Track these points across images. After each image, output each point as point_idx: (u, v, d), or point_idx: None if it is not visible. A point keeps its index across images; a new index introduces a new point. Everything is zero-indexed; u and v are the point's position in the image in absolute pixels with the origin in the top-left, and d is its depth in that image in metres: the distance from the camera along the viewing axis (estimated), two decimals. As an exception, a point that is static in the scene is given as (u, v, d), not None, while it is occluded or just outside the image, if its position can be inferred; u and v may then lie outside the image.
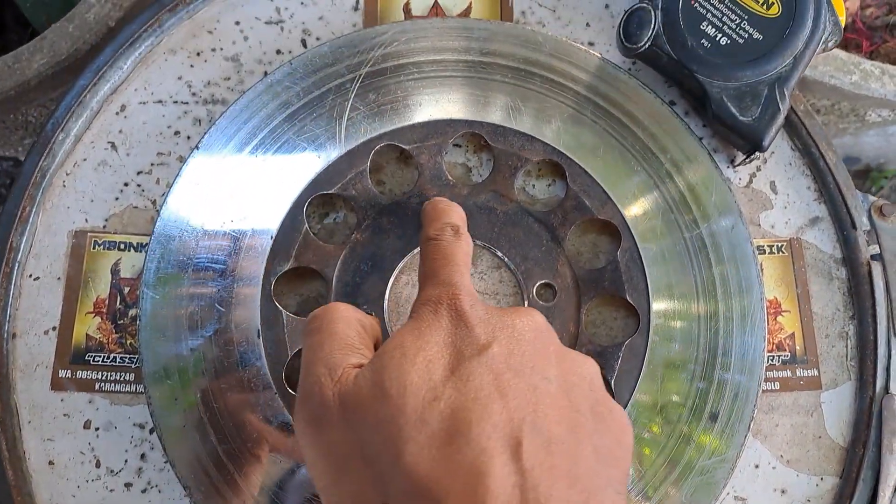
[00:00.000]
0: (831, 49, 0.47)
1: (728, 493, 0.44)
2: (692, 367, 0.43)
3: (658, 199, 0.45)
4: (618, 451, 0.29)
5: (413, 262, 0.45)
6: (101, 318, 0.45)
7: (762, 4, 0.45)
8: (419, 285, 0.34)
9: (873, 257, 0.47)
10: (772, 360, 0.46)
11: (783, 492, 0.45)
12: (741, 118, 0.44)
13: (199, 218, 0.44)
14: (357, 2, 0.51)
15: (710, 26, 0.45)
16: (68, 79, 0.56)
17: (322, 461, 0.29)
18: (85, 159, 0.48)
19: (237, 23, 0.51)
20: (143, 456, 0.44)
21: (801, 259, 0.48)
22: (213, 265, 0.43)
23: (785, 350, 0.46)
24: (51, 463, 0.43)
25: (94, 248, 0.46)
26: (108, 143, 0.48)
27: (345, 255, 0.44)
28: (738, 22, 0.45)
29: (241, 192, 0.44)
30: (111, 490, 0.43)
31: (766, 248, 0.48)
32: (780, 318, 0.47)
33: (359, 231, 0.45)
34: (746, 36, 0.45)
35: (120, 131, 0.48)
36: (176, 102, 0.49)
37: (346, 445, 0.28)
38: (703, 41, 0.45)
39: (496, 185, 0.46)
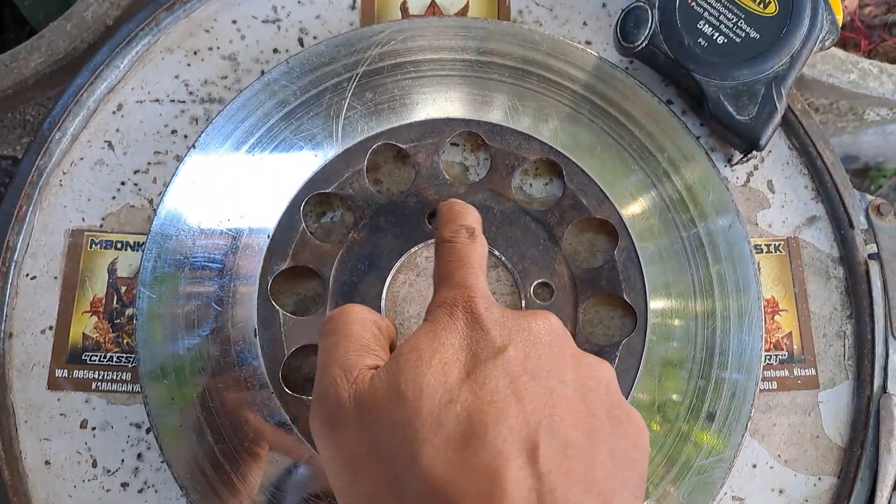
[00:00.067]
0: (828, 48, 0.47)
1: (726, 493, 0.44)
2: (689, 366, 0.43)
3: (655, 198, 0.45)
4: (634, 455, 0.29)
5: (410, 262, 0.45)
6: (98, 318, 0.45)
7: (759, 3, 0.45)
8: (434, 287, 0.34)
9: (871, 256, 0.47)
10: (769, 360, 0.46)
11: (781, 492, 0.45)
12: (738, 117, 0.44)
13: (195, 217, 0.44)
14: (354, 0, 0.51)
15: (706, 25, 0.45)
16: (66, 77, 0.56)
17: (338, 462, 0.29)
18: (82, 158, 0.48)
19: (234, 21, 0.50)
20: (139, 456, 0.44)
21: (799, 258, 0.48)
22: (210, 264, 0.43)
23: (782, 349, 0.46)
24: (47, 463, 0.43)
25: (90, 247, 0.46)
26: (105, 142, 0.48)
27: (342, 254, 0.44)
28: (734, 21, 0.45)
29: (237, 191, 0.44)
30: (108, 490, 0.43)
31: (763, 247, 0.48)
32: (777, 318, 0.47)
33: (356, 230, 0.44)
34: (743, 35, 0.45)
35: (117, 130, 0.48)
36: (173, 101, 0.49)
37: (362, 446, 0.28)
38: (699, 40, 0.45)
39: (493, 184, 0.46)
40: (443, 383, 0.27)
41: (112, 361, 0.45)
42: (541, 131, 0.46)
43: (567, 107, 0.46)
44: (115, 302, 0.46)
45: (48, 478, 0.43)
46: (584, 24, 0.52)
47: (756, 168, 0.49)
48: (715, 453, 0.42)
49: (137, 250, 0.46)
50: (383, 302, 0.44)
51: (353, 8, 0.51)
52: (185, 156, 0.44)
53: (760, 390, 0.44)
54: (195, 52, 0.50)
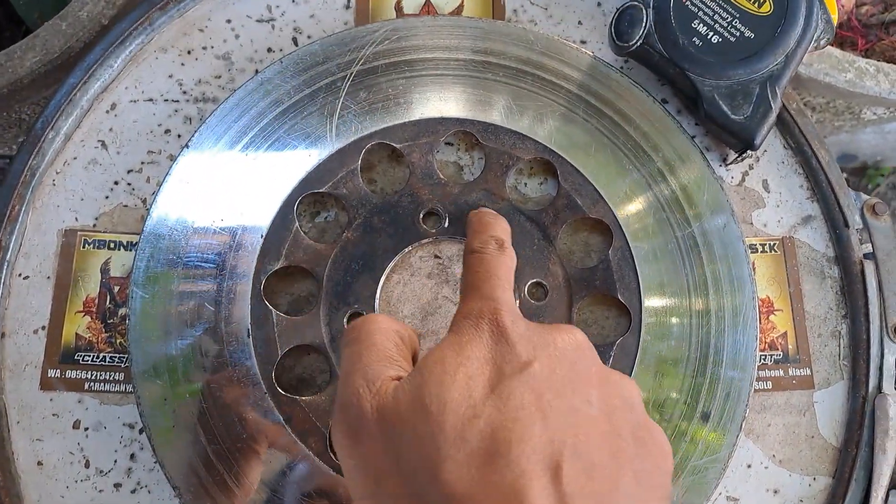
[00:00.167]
0: (823, 47, 0.46)
1: (720, 494, 0.44)
2: (684, 365, 0.43)
3: (650, 198, 0.45)
4: (658, 477, 0.29)
5: (404, 262, 0.45)
6: (91, 318, 0.45)
7: (754, 2, 0.45)
8: (460, 297, 0.34)
9: (866, 256, 0.47)
10: (764, 360, 0.46)
11: (776, 492, 0.45)
12: (733, 116, 0.44)
13: (189, 216, 0.44)
14: (348, 0, 0.51)
15: (701, 24, 0.45)
16: (62, 77, 0.56)
17: (360, 473, 0.29)
18: (75, 158, 0.48)
19: (228, 21, 0.50)
20: (132, 456, 0.44)
21: (794, 258, 0.48)
22: (203, 264, 0.43)
23: (777, 349, 0.46)
24: (39, 463, 0.43)
25: (83, 246, 0.46)
26: (99, 141, 0.48)
27: (336, 253, 0.44)
28: (729, 20, 0.45)
29: (231, 191, 0.44)
30: (100, 490, 0.43)
31: (758, 246, 0.48)
32: (772, 317, 0.47)
33: (349, 230, 0.44)
34: (738, 34, 0.44)
35: (110, 130, 0.48)
36: (167, 101, 0.49)
37: (384, 459, 0.28)
38: (694, 39, 0.45)
39: (488, 183, 0.46)
40: (467, 398, 0.27)
41: (105, 361, 0.45)
42: (535, 131, 0.46)
43: (562, 106, 0.46)
44: (108, 302, 0.45)
45: (40, 478, 0.43)
46: (579, 23, 0.51)
47: (751, 167, 0.49)
48: (710, 453, 0.42)
49: (130, 250, 0.46)
50: (377, 302, 0.44)
51: (347, 7, 0.51)
52: (179, 155, 0.44)
53: (755, 390, 0.44)
54: (189, 52, 0.50)
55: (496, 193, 0.45)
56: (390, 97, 0.46)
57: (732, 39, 0.44)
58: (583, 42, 0.51)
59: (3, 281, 0.45)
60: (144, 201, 0.47)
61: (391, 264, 0.44)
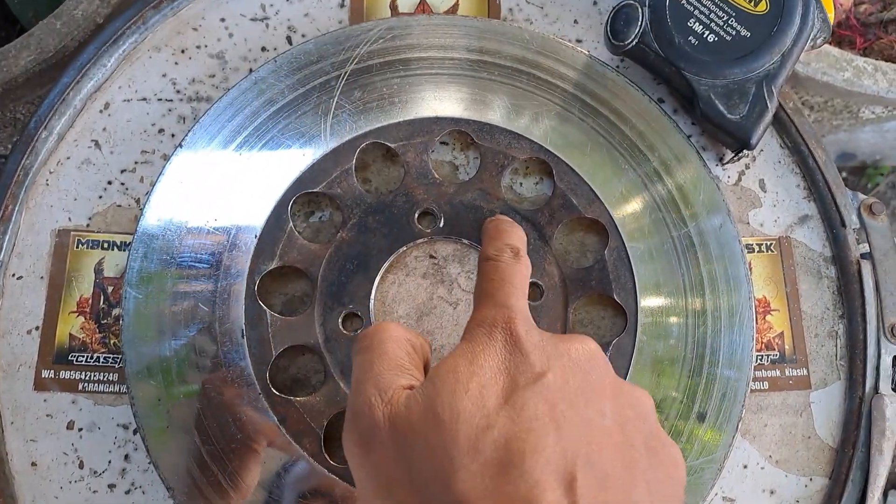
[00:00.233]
0: (820, 46, 0.46)
1: (716, 494, 0.44)
2: (680, 365, 0.43)
3: (646, 198, 0.45)
4: (670, 487, 0.29)
5: (399, 262, 0.45)
6: (85, 318, 0.45)
7: (750, 1, 0.44)
8: (474, 304, 0.33)
9: (863, 256, 0.47)
10: (760, 360, 0.46)
11: (772, 492, 0.44)
12: (729, 116, 0.44)
13: (182, 216, 0.43)
14: (344, -2, 0.51)
15: (697, 23, 0.44)
16: (56, 76, 0.55)
17: (371, 483, 0.29)
18: (68, 157, 0.47)
19: (222, 20, 0.50)
20: (126, 457, 0.44)
21: (791, 257, 0.48)
22: (197, 264, 0.43)
23: (774, 349, 0.46)
24: (33, 464, 0.43)
25: (77, 246, 0.46)
26: (92, 141, 0.48)
27: (330, 253, 0.44)
28: (725, 19, 0.44)
29: (225, 191, 0.44)
30: (94, 491, 0.43)
31: (754, 246, 0.48)
32: (768, 317, 0.47)
33: (344, 230, 0.44)
34: (734, 33, 0.44)
35: (104, 129, 0.48)
36: (160, 100, 0.49)
37: (396, 469, 0.28)
38: (690, 38, 0.44)
39: (483, 183, 0.45)
40: (480, 408, 0.27)
41: (99, 362, 0.44)
42: (531, 130, 0.46)
43: (557, 106, 0.46)
44: (101, 302, 0.45)
45: (34, 479, 0.43)
46: (575, 22, 0.51)
47: (747, 167, 0.49)
48: (706, 453, 0.42)
49: (124, 250, 0.46)
50: (372, 302, 0.43)
51: (342, 6, 0.51)
52: (173, 155, 0.44)
53: (751, 390, 0.44)
54: (183, 51, 0.49)
55: (491, 193, 0.45)
56: (385, 96, 0.46)
57: (728, 38, 0.44)
58: (578, 41, 0.51)
59: (-4, 281, 0.45)
60: (138, 201, 0.47)
61: (386, 264, 0.44)
